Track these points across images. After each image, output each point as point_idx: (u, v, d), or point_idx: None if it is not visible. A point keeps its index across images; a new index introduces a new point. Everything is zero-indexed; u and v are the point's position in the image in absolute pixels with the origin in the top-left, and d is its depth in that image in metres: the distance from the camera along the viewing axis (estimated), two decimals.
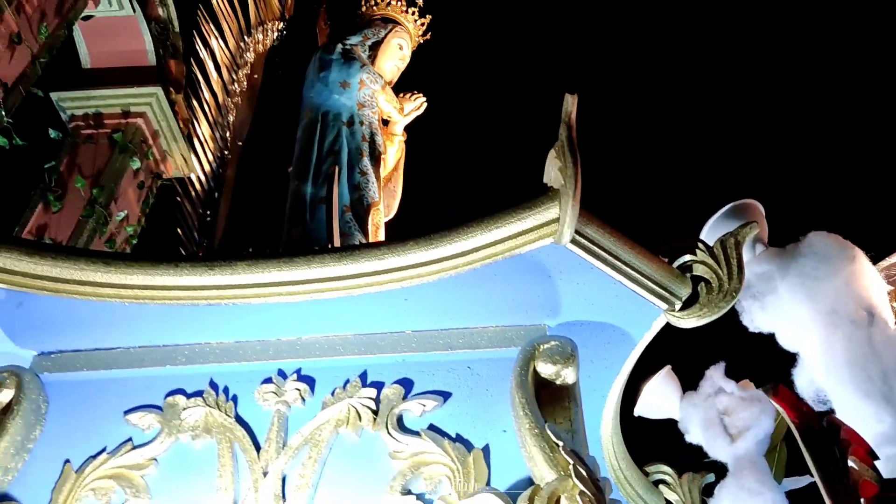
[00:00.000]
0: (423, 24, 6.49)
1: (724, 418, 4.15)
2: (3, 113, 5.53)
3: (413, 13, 6.45)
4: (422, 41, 6.53)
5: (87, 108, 6.72)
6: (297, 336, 3.29)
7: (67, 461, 3.03)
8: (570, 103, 2.79)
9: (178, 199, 4.43)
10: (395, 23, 6.28)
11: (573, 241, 2.85)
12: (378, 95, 5.34)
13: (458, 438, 2.92)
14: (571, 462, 2.53)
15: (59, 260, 3.11)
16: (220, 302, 3.14)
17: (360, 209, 4.51)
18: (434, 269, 3.01)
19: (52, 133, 5.56)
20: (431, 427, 2.97)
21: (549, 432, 2.68)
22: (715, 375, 4.26)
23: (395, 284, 3.05)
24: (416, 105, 5.81)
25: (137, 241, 6.61)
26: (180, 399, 3.15)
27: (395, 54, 6.04)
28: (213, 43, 5.15)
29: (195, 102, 5.00)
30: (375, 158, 4.82)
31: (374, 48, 5.96)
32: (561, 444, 2.63)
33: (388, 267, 3.04)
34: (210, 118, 4.97)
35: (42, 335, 3.32)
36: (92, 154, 6.59)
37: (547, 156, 3.00)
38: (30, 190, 6.19)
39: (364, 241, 4.38)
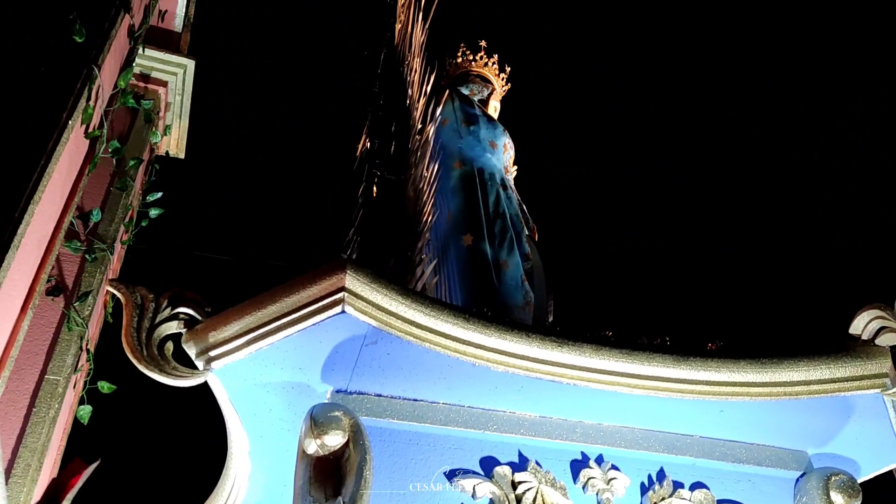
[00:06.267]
0: (505, 90, 6.71)
1: None
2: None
3: (503, 77, 6.66)
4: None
5: None
6: (598, 421, 3.37)
7: None
8: None
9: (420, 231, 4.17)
10: (491, 84, 6.45)
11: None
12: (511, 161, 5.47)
13: None
14: None
15: (426, 307, 2.96)
16: (562, 380, 3.15)
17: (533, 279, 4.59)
18: (763, 391, 3.29)
19: None
20: None
21: None
22: None
23: (723, 397, 3.28)
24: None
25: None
26: (507, 470, 3.09)
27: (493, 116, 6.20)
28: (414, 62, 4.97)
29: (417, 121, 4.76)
30: (530, 228, 4.94)
31: (480, 106, 6.08)
32: None
33: (721, 380, 3.27)
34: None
35: (358, 375, 3.08)
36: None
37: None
38: None
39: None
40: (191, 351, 2.93)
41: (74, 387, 4.85)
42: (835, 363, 3.30)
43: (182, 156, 7.11)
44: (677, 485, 3.30)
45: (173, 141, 6.91)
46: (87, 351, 4.41)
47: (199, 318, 3.04)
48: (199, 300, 3.09)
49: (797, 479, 3.48)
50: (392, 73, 5.88)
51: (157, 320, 2.97)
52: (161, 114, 6.55)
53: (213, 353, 2.89)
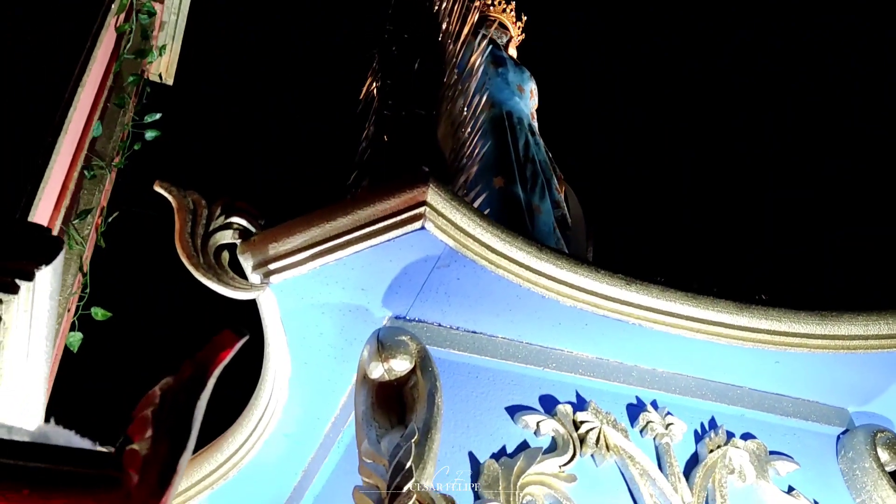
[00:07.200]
0: (520, 40, 6.52)
1: None
2: None
3: (519, 26, 6.46)
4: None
5: None
6: (653, 366, 3.28)
7: (472, 454, 2.71)
8: None
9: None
10: (509, 31, 6.26)
11: None
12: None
13: None
14: None
15: (502, 232, 2.81)
16: (628, 319, 3.04)
17: (565, 229, 4.47)
18: (821, 343, 3.24)
19: None
20: (791, 489, 3.18)
21: None
22: None
23: (782, 347, 3.22)
24: None
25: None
26: (568, 409, 2.97)
27: None
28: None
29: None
30: (558, 177, 4.80)
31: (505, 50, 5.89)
32: None
33: (782, 330, 3.21)
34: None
35: (421, 301, 2.90)
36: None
37: None
38: None
39: None
40: (247, 263, 2.71)
41: (69, 310, 4.54)
42: (894, 319, 3.27)
43: (171, 82, 6.73)
44: (730, 434, 3.24)
45: (164, 64, 6.54)
46: (84, 273, 4.11)
47: (253, 229, 2.81)
48: (253, 211, 2.86)
49: (839, 436, 3.46)
50: (412, 10, 5.63)
51: (212, 228, 2.73)
52: (155, 33, 6.18)
53: (272, 266, 2.68)
